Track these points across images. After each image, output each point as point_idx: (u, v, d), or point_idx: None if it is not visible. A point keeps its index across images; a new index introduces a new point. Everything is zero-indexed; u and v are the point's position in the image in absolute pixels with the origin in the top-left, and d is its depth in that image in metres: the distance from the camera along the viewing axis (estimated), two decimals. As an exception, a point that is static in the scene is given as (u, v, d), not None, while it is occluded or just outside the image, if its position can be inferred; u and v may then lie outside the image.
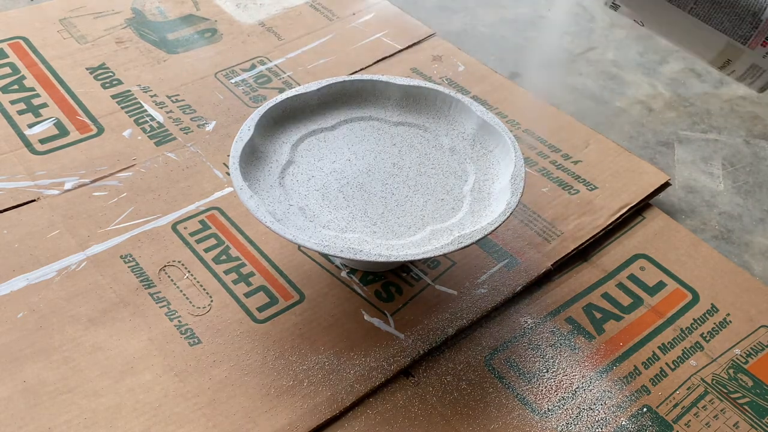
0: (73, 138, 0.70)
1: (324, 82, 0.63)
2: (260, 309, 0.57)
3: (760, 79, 0.56)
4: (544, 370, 0.55)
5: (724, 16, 0.53)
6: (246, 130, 0.58)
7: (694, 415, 0.54)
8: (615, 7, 0.54)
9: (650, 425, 0.53)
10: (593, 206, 0.67)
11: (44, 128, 0.70)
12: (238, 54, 0.81)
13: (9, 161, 0.67)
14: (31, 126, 0.70)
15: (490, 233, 0.53)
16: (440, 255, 0.52)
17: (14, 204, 0.63)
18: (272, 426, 0.50)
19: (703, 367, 0.57)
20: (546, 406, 0.53)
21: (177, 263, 0.60)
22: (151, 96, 0.75)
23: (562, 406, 0.53)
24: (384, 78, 0.64)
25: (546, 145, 0.73)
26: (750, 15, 0.53)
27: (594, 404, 0.54)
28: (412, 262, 0.61)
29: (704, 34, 0.54)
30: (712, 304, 0.61)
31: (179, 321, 0.56)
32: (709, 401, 0.55)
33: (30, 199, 0.64)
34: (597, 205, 0.67)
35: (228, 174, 0.67)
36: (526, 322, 0.59)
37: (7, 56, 0.78)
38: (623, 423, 0.53)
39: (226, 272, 0.60)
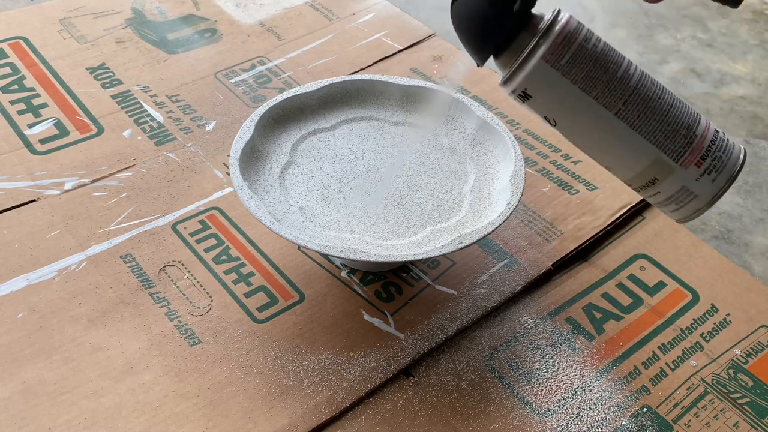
0: (73, 138, 0.70)
1: (324, 82, 0.63)
2: (260, 309, 0.57)
3: (685, 208, 0.45)
4: (544, 370, 0.55)
5: (657, 123, 0.43)
6: (246, 130, 0.58)
7: (694, 415, 0.54)
8: (525, 97, 0.44)
9: (650, 425, 0.53)
10: (593, 206, 0.67)
11: (44, 128, 0.70)
12: (238, 54, 0.81)
13: (9, 161, 0.67)
14: (31, 126, 0.70)
15: (490, 233, 0.53)
16: (440, 255, 0.52)
17: (14, 204, 0.63)
18: (272, 426, 0.50)
19: (703, 367, 0.57)
20: (546, 406, 0.53)
21: (177, 263, 0.60)
22: (151, 96, 0.75)
23: (562, 406, 0.53)
24: (384, 78, 0.64)
25: (546, 145, 0.73)
26: (684, 128, 0.43)
27: (594, 404, 0.54)
28: (412, 262, 0.61)
29: (630, 143, 0.43)
30: (712, 304, 0.61)
31: (179, 321, 0.56)
32: (709, 401, 0.55)
33: (30, 199, 0.64)
34: (597, 205, 0.67)
35: (228, 174, 0.67)
36: (526, 322, 0.59)
37: (7, 56, 0.78)
38: (623, 423, 0.53)
39: (226, 272, 0.60)
